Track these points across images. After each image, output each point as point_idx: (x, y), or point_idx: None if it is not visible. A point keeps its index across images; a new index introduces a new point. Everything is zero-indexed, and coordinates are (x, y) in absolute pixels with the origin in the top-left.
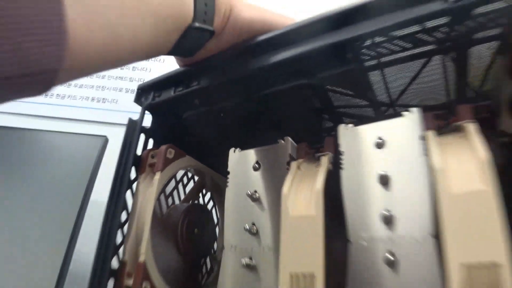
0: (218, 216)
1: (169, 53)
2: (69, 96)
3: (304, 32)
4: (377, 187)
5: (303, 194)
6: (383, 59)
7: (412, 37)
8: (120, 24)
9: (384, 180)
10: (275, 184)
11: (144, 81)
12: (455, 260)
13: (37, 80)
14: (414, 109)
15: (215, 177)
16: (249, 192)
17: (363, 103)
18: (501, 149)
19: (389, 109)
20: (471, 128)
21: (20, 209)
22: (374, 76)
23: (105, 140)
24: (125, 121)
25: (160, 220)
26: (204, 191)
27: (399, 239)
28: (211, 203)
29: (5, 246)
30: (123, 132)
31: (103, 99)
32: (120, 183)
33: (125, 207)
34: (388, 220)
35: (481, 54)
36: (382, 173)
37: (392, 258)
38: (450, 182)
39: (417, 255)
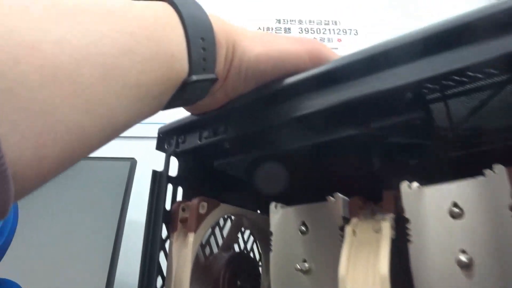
0: (260, 253)
1: (164, 109)
2: None
3: (353, 70)
4: (458, 272)
5: (362, 274)
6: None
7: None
8: (86, 121)
9: (467, 264)
10: (326, 251)
11: (165, 124)
12: None
13: None
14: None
15: (252, 216)
16: (298, 266)
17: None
18: None
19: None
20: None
21: (58, 236)
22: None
23: (132, 163)
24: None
25: (199, 272)
26: (243, 230)
27: None
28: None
29: (50, 271)
30: (152, 146)
31: None
32: (152, 245)
33: (159, 272)
34: None
35: None
36: (464, 255)
37: None
38: None
39: None
